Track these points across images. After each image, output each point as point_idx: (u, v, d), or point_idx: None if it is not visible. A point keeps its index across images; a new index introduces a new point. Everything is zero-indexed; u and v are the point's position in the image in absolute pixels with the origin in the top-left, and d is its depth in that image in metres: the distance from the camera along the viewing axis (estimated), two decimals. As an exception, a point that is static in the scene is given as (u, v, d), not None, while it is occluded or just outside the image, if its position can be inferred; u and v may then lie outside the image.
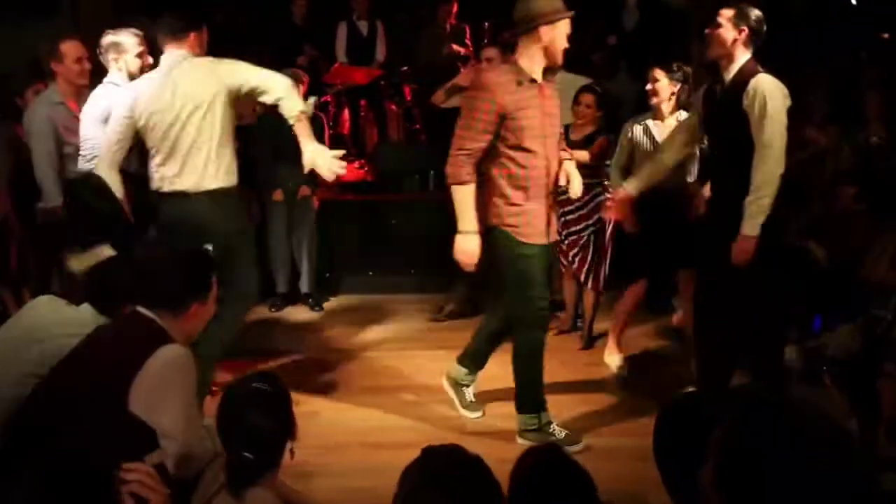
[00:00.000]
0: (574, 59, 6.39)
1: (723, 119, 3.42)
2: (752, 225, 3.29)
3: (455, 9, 7.23)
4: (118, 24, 4.10)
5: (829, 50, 6.16)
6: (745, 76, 3.35)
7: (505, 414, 3.86)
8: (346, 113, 7.32)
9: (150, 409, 2.16)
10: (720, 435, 1.11)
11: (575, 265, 4.75)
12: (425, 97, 6.33)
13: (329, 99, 6.97)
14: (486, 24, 7.51)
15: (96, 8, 5.77)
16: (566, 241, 4.71)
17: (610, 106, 4.77)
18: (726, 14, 3.40)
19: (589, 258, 4.68)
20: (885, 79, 5.39)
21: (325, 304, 5.67)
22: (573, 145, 4.59)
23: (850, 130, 5.20)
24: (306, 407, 3.75)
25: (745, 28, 3.36)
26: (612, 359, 4.47)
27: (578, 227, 4.69)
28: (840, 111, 5.38)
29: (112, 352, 2.25)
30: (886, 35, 6.48)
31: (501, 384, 4.23)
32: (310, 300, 5.56)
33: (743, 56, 3.38)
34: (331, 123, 6.53)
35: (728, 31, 3.37)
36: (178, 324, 2.31)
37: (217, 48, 6.67)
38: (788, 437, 1.06)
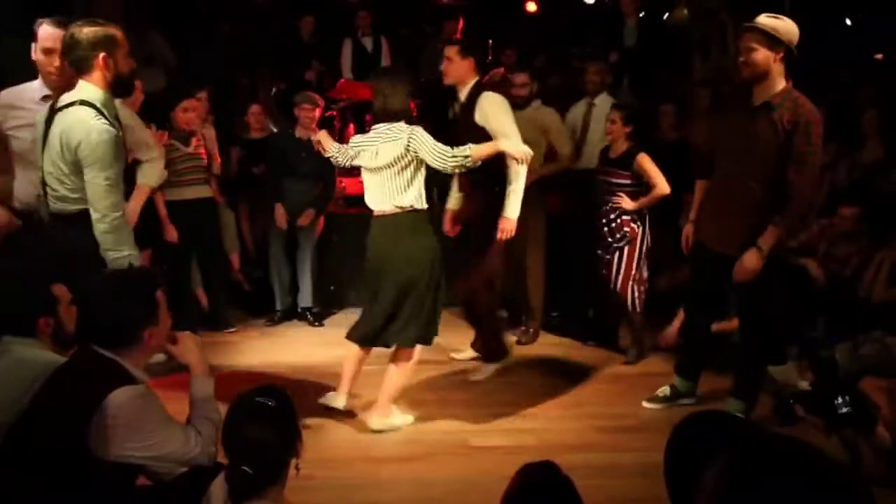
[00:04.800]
0: (575, 76, 6.50)
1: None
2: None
3: (461, 25, 7.30)
4: (130, 34, 4.04)
5: (825, 69, 6.21)
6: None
7: (508, 429, 3.88)
8: (352, 128, 7.38)
9: (128, 449, 2.15)
10: (714, 478, 1.11)
11: (619, 286, 4.73)
12: (429, 112, 6.35)
13: (334, 114, 7.02)
14: (489, 41, 7.58)
15: (109, 18, 5.81)
16: (606, 261, 4.76)
17: (640, 121, 4.81)
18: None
19: (629, 278, 4.68)
20: (881, 97, 5.44)
21: (329, 318, 5.68)
22: (612, 163, 4.67)
23: (848, 148, 5.25)
24: (309, 421, 3.76)
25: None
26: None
27: (609, 244, 4.73)
28: (838, 129, 5.43)
29: (65, 398, 2.18)
30: (881, 56, 6.55)
31: (503, 399, 4.25)
32: (309, 315, 5.57)
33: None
34: (336, 138, 6.57)
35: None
36: (135, 353, 2.25)
37: (225, 62, 6.83)
38: (786, 480, 1.06)
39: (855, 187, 4.98)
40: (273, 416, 2.07)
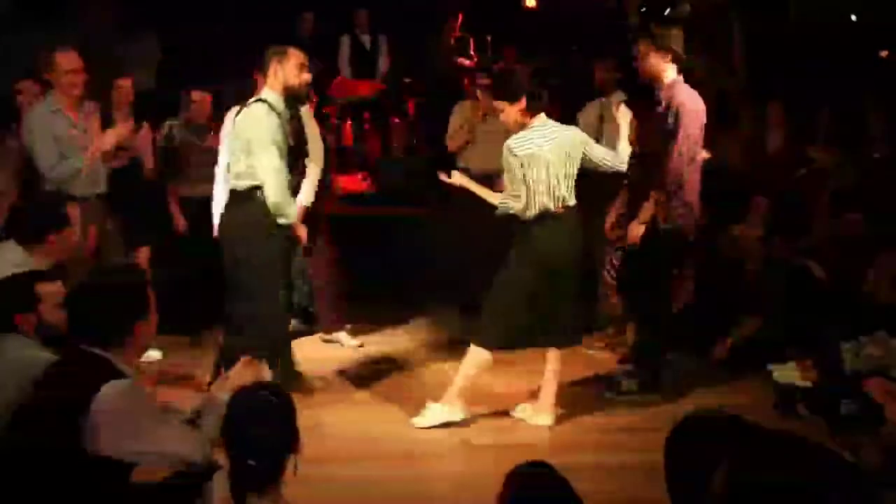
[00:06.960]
0: (575, 75, 6.48)
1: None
2: None
3: (460, 21, 7.28)
4: (122, 37, 4.09)
5: (830, 69, 6.18)
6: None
7: (507, 429, 3.87)
8: (349, 125, 7.36)
9: (120, 445, 2.13)
10: (722, 479, 1.10)
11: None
12: (428, 110, 6.34)
13: (330, 111, 7.00)
14: (489, 37, 7.56)
15: (100, 20, 5.81)
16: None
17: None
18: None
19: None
20: (887, 97, 5.42)
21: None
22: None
23: (852, 149, 5.23)
24: (307, 418, 3.70)
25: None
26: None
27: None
28: (842, 130, 5.41)
29: (56, 397, 2.17)
30: (886, 53, 6.52)
31: (503, 399, 4.23)
32: (305, 314, 5.53)
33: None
34: (335, 136, 6.55)
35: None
36: (126, 349, 2.25)
37: (221, 61, 6.82)
38: (788, 478, 1.05)
39: (859, 189, 4.96)
40: (273, 413, 2.07)
